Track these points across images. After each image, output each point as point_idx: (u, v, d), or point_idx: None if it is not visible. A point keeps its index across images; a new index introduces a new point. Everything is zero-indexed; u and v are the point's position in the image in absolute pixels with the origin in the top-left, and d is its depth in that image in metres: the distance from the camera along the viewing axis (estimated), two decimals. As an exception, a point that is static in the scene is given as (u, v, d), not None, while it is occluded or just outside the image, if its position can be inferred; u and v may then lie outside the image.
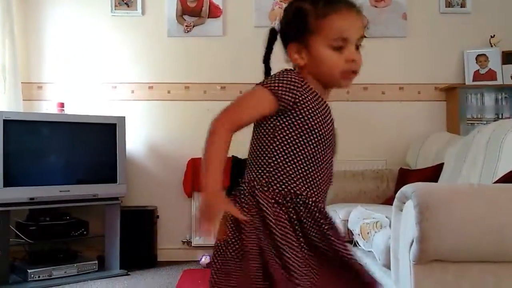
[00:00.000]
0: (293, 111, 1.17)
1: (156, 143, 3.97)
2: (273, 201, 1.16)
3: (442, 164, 3.13)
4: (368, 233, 2.38)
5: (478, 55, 3.96)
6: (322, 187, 1.20)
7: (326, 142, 1.20)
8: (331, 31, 1.17)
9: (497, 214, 1.77)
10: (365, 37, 1.23)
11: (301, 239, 1.14)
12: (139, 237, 3.67)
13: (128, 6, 3.98)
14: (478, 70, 3.95)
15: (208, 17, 4.01)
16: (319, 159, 1.19)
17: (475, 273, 1.79)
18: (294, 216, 1.16)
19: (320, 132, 1.18)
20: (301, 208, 1.16)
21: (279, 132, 1.18)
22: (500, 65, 3.92)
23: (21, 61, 3.82)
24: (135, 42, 3.98)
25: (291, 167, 1.17)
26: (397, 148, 3.95)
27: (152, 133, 3.97)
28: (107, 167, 3.48)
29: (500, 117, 3.80)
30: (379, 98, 4.04)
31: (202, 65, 3.99)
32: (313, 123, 1.17)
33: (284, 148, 1.17)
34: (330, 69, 1.19)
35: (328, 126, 1.21)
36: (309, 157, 1.17)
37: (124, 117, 3.58)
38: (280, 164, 1.18)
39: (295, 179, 1.18)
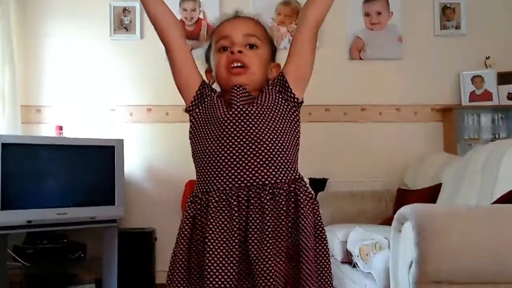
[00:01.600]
0: (192, 113, 1.27)
1: (154, 164, 3.96)
2: (188, 200, 1.25)
3: (440, 184, 3.13)
4: (367, 254, 2.37)
5: (474, 76, 3.99)
6: (226, 183, 1.16)
7: (221, 140, 1.18)
8: (215, 38, 1.28)
9: (496, 235, 1.76)
10: (253, 36, 1.27)
11: (198, 236, 1.16)
12: (137, 259, 3.64)
13: (127, 30, 4.02)
14: (474, 91, 3.97)
15: (205, 40, 4.03)
16: (215, 157, 1.19)
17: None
18: (197, 213, 1.19)
19: (213, 133, 1.20)
20: (200, 205, 1.19)
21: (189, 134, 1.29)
22: (496, 85, 3.95)
23: (20, 85, 3.84)
24: (134, 66, 4.00)
25: (197, 166, 1.27)
26: (395, 168, 3.95)
27: (150, 155, 3.97)
28: (105, 190, 3.46)
29: (497, 137, 3.81)
30: (376, 119, 4.05)
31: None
32: (203, 125, 1.24)
33: (191, 147, 1.30)
34: (218, 69, 1.26)
35: (224, 127, 1.19)
36: (203, 156, 1.23)
37: (123, 139, 3.58)
38: (195, 164, 1.28)
39: (199, 177, 1.25)
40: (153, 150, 3.97)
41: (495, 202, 2.18)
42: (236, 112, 1.18)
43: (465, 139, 3.82)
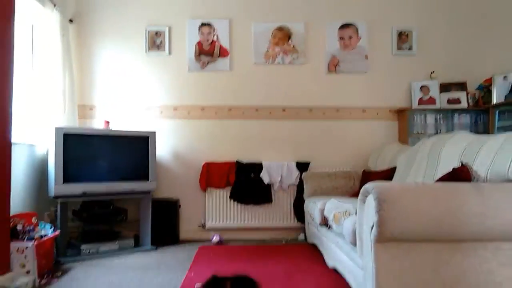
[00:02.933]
0: None
1: (179, 150, 3.97)
2: None
3: (395, 167, 3.14)
4: (339, 219, 2.38)
5: (422, 86, 3.99)
6: None
7: None
8: None
9: (437, 205, 1.77)
10: None
11: None
12: (165, 221, 3.67)
13: (158, 48, 4.00)
14: (422, 97, 3.97)
15: (218, 57, 4.03)
16: None
17: (421, 249, 1.79)
18: None
19: None
20: None
21: None
22: (439, 93, 3.95)
23: (77, 88, 3.84)
24: (163, 75, 3.99)
25: None
26: (361, 155, 3.97)
27: (176, 144, 3.97)
28: (141, 169, 3.48)
29: (439, 132, 3.82)
30: (348, 117, 4.05)
31: (214, 93, 4.00)
32: None
33: None
34: None
35: None
36: None
37: (155, 131, 3.59)
38: None
39: None
40: (178, 139, 3.98)
41: (437, 181, 2.19)
42: None
43: (414, 134, 3.83)
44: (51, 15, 3.46)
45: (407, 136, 3.82)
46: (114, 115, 3.90)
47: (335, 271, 2.56)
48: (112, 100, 3.95)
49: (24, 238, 2.51)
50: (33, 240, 2.48)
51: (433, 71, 4.02)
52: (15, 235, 2.49)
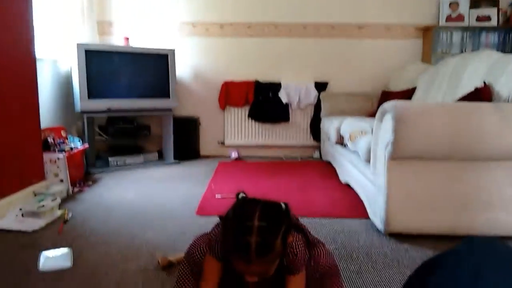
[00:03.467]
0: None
1: (198, 69, 3.93)
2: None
3: (415, 88, 3.06)
4: (355, 137, 2.40)
5: (451, 2, 3.72)
6: None
7: None
8: (232, 259, 0.97)
9: (454, 124, 1.76)
10: (266, 275, 0.97)
11: None
12: (187, 137, 3.77)
13: (175, -41, 3.78)
14: (450, 14, 3.72)
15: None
16: None
17: (434, 167, 1.81)
18: None
19: None
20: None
21: None
22: (468, 9, 3.69)
23: (96, 4, 3.72)
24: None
25: None
26: (382, 76, 3.86)
27: (195, 62, 3.92)
28: (162, 86, 3.49)
29: (464, 51, 3.63)
30: (371, 36, 3.86)
31: (233, 9, 3.81)
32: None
33: None
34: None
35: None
36: None
37: (174, 49, 3.53)
38: None
39: None
40: (197, 58, 3.91)
41: (458, 101, 2.15)
42: None
43: (438, 53, 3.66)
44: None
45: (431, 55, 3.65)
46: (133, 31, 3.82)
47: (347, 186, 2.65)
48: (130, 16, 3.84)
49: (56, 150, 2.64)
50: (64, 152, 2.61)
51: (465, -15, 3.72)
52: (47, 147, 2.62)
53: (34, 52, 2.40)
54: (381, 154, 1.88)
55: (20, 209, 2.09)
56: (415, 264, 1.59)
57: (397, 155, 1.79)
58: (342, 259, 1.64)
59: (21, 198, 2.21)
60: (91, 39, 3.55)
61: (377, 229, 1.94)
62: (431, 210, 1.82)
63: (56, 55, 3.23)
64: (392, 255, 1.69)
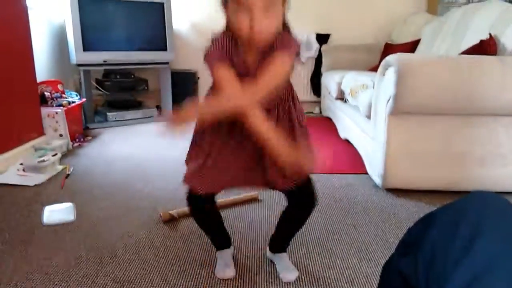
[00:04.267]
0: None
1: (195, 21, 3.81)
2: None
3: (419, 40, 2.98)
4: (356, 92, 2.37)
5: None
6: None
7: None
8: None
9: (456, 78, 1.72)
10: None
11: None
12: (184, 92, 3.71)
13: None
14: (459, -39, 3.55)
15: None
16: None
17: (433, 122, 1.81)
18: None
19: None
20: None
21: None
22: (478, -44, 3.51)
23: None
24: None
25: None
26: (386, 27, 3.74)
27: (193, 13, 3.79)
28: (159, 38, 3.39)
29: (471, 1, 3.50)
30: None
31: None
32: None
33: None
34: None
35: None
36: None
37: (170, -3, 3.40)
38: None
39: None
40: (195, 8, 3.78)
41: (461, 54, 2.10)
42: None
43: (445, 3, 3.53)
44: None
45: (436, 5, 3.52)
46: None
47: (346, 142, 2.65)
48: None
49: (53, 104, 2.61)
50: (62, 106, 2.58)
51: None
52: (44, 101, 2.59)
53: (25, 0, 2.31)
54: (382, 109, 1.86)
55: (21, 164, 2.10)
56: (411, 218, 1.63)
57: (398, 110, 1.77)
58: (340, 213, 1.67)
59: (21, 153, 2.21)
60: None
61: (375, 184, 1.97)
62: (429, 166, 1.84)
63: (49, 6, 3.11)
64: (389, 209, 1.72)
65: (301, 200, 1.14)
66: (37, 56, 2.67)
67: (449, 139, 1.82)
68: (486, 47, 1.99)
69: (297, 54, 1.00)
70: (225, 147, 1.07)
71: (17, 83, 2.24)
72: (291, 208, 1.18)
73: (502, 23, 2.02)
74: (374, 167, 1.96)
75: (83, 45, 3.02)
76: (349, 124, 2.57)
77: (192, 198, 1.14)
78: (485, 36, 2.05)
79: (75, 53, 3.01)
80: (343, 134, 2.77)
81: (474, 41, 2.10)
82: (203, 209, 1.18)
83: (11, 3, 2.21)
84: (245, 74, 1.00)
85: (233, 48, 1.01)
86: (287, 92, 1.08)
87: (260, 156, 1.06)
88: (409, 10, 3.70)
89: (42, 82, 2.71)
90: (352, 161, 2.33)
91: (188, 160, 1.18)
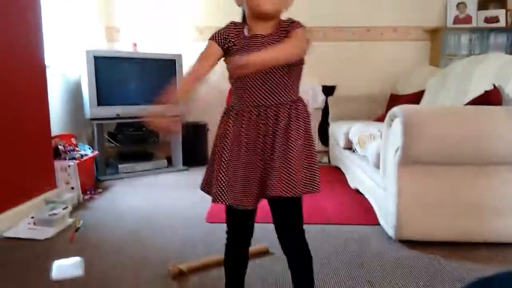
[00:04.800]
0: (227, 47, 1.12)
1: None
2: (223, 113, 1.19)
3: (424, 91, 3.04)
4: (364, 142, 2.39)
5: (459, 3, 3.70)
6: (248, 99, 1.10)
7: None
8: None
9: (464, 128, 1.74)
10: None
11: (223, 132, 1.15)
12: (195, 143, 3.77)
13: (182, -34, 3.81)
14: (458, 15, 3.70)
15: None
16: (241, 79, 1.11)
17: (443, 172, 1.80)
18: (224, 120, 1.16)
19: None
20: (232, 115, 1.14)
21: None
22: (476, 11, 3.66)
23: (104, 10, 3.76)
24: (188, -5, 3.83)
25: (232, 87, 1.17)
26: (390, 78, 3.83)
27: (202, 67, 3.93)
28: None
29: (473, 53, 3.61)
30: (378, 38, 3.86)
31: (235, 12, 3.84)
32: (235, 52, 1.11)
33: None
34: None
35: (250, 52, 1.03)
36: (235, 79, 1.14)
37: (181, 54, 3.55)
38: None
39: (233, 96, 1.18)
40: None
41: (467, 104, 2.13)
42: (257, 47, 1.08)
43: (447, 55, 3.63)
44: None
45: (439, 58, 3.63)
46: (141, 37, 3.85)
47: (357, 191, 2.63)
48: (137, 21, 3.86)
49: (66, 157, 2.66)
50: (75, 159, 2.63)
51: (473, -14, 3.70)
52: (58, 154, 2.65)
53: (44, 59, 2.43)
54: (391, 159, 1.87)
55: (32, 217, 2.11)
56: (428, 272, 1.58)
57: (406, 160, 1.78)
58: (353, 268, 1.63)
59: (33, 206, 2.23)
60: (100, 45, 3.58)
61: (388, 235, 1.93)
62: (442, 216, 1.81)
63: (66, 62, 3.26)
64: (404, 262, 1.67)
65: (290, 239, 1.14)
66: (53, 111, 2.77)
67: (461, 190, 1.80)
68: (491, 97, 2.02)
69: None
70: (235, 155, 1.11)
71: (32, 137, 2.31)
72: (291, 263, 1.17)
73: (504, 74, 2.07)
74: (386, 218, 1.93)
75: (98, 100, 3.13)
76: (359, 174, 2.56)
77: (231, 213, 1.15)
78: (488, 87, 2.09)
79: (90, 108, 3.11)
80: (353, 184, 2.76)
81: (478, 92, 2.14)
82: (238, 246, 1.20)
83: (31, 64, 2.32)
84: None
85: (238, 36, 1.13)
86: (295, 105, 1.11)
87: (265, 168, 1.07)
88: (412, 62, 3.81)
89: (56, 136, 2.78)
90: (363, 212, 2.30)
91: (207, 167, 1.21)
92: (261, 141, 1.09)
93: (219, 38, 1.13)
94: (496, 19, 3.62)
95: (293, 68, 1.11)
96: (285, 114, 1.09)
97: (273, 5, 1.09)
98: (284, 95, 1.10)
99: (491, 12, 3.63)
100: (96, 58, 3.11)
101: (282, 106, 1.09)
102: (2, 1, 2.07)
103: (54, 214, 2.10)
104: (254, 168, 1.09)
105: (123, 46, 3.85)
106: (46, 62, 2.49)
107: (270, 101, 1.09)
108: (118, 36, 3.87)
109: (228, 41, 1.12)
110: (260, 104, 1.09)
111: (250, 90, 1.10)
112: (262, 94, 1.09)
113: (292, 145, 1.06)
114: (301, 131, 1.09)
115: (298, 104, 1.12)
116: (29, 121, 2.29)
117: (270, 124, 1.08)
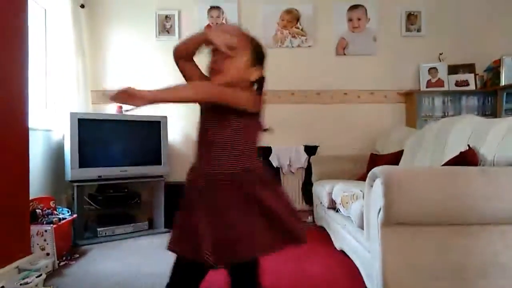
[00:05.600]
0: None
1: (190, 134, 3.99)
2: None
3: (402, 151, 3.13)
4: (347, 202, 2.40)
5: (430, 68, 3.93)
6: (198, 160, 1.33)
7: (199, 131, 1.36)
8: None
9: (443, 188, 1.77)
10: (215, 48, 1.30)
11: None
12: (177, 203, 3.70)
13: (168, 32, 3.99)
14: (430, 79, 3.92)
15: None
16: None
17: (427, 232, 1.80)
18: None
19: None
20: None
21: None
22: (447, 75, 3.89)
23: (90, 74, 3.85)
24: (172, 59, 3.94)
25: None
26: (368, 138, 3.95)
27: (187, 128, 3.99)
28: (154, 153, 3.51)
29: (446, 115, 3.78)
30: (356, 101, 4.03)
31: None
32: None
33: None
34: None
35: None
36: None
37: (166, 116, 3.60)
38: None
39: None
40: (189, 123, 3.98)
41: (444, 164, 2.19)
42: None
43: (422, 117, 3.79)
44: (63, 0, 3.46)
45: (415, 119, 3.78)
46: (126, 100, 3.91)
47: (342, 253, 2.59)
48: (124, 84, 3.93)
49: (43, 221, 2.57)
50: (52, 224, 2.55)
51: (442, 53, 3.96)
52: (35, 218, 2.56)
53: (27, 122, 2.42)
54: (374, 220, 1.86)
55: (3, 287, 1.99)
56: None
57: (389, 221, 1.78)
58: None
59: (4, 274, 2.10)
60: (85, 108, 3.62)
61: (375, 299, 1.88)
62: (430, 279, 1.78)
63: (49, 124, 3.27)
64: (392, 328, 1.61)
65: None
66: (33, 173, 2.72)
67: (446, 250, 1.79)
68: (467, 158, 2.08)
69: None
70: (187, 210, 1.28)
71: (9, 202, 2.24)
72: None
73: (478, 135, 2.15)
74: (373, 281, 1.89)
75: (79, 161, 3.10)
76: (343, 234, 2.54)
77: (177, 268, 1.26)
78: (464, 148, 2.17)
79: (71, 170, 3.07)
80: (338, 245, 2.72)
81: (455, 152, 2.21)
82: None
83: (14, 127, 2.31)
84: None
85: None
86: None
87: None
88: (390, 123, 3.96)
89: (35, 199, 2.71)
90: (350, 274, 2.25)
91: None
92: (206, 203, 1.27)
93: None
94: (466, 83, 3.84)
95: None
96: (226, 183, 1.26)
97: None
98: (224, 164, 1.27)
99: (461, 76, 3.86)
100: (80, 121, 3.13)
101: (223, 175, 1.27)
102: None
103: (26, 283, 1.98)
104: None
105: (109, 109, 3.90)
106: (31, 125, 2.48)
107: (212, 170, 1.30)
108: (104, 98, 3.93)
109: None
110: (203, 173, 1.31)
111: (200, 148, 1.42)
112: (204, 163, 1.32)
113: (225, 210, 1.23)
114: (232, 198, 1.24)
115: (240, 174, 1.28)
116: (8, 185, 2.23)
117: (212, 192, 1.27)
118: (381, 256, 1.79)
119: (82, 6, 3.81)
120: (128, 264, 2.53)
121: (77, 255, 2.72)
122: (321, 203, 3.21)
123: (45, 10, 3.41)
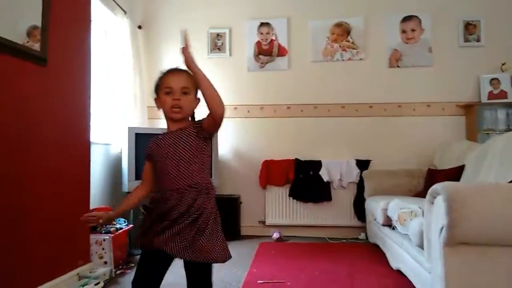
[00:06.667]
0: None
1: (240, 149, 4.03)
2: None
3: (463, 166, 2.95)
4: (404, 220, 2.29)
5: (492, 79, 3.71)
6: (162, 193, 1.46)
7: (159, 162, 1.48)
8: (163, 83, 1.48)
9: (510, 207, 1.65)
10: (186, 88, 1.49)
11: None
12: (227, 217, 3.71)
13: (219, 50, 4.09)
14: (492, 90, 3.69)
15: (277, 56, 4.03)
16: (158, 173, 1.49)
17: (494, 253, 1.68)
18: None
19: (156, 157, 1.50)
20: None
21: None
22: (510, 86, 3.65)
23: (146, 90, 4.01)
24: (224, 76, 4.03)
25: None
26: (426, 153, 3.76)
27: (236, 142, 4.03)
28: (205, 166, 3.55)
29: (511, 128, 3.53)
30: (411, 113, 3.87)
31: (272, 91, 4.01)
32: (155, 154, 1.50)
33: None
34: (165, 105, 1.46)
35: (161, 151, 1.47)
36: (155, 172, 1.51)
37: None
38: None
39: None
40: (238, 138, 4.03)
41: (511, 182, 2.03)
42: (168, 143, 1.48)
43: (484, 130, 3.57)
44: (122, 22, 3.66)
45: (476, 132, 3.57)
46: (179, 115, 4.03)
47: (399, 272, 2.46)
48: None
49: (102, 231, 2.68)
50: (110, 233, 2.65)
51: (504, 63, 3.72)
52: (94, 228, 2.67)
53: (89, 137, 2.56)
54: (436, 239, 1.76)
55: (65, 293, 2.08)
56: None
57: (453, 241, 1.67)
58: None
59: (66, 281, 2.21)
60: (141, 123, 3.77)
61: (438, 324, 1.76)
62: (498, 304, 1.64)
63: (109, 139, 3.43)
64: None
65: None
66: (93, 185, 2.86)
67: (516, 273, 1.65)
68: (539, 174, 1.92)
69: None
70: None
71: (72, 211, 2.35)
72: None
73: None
74: (435, 305, 1.78)
75: (136, 174, 3.22)
76: (401, 253, 2.42)
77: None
78: (535, 163, 2.00)
79: (128, 182, 3.19)
80: (394, 264, 2.59)
81: (524, 168, 2.05)
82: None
83: (77, 141, 2.45)
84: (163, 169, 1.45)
85: (156, 141, 1.52)
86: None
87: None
88: (448, 136, 3.75)
89: (95, 209, 2.83)
90: (407, 296, 2.13)
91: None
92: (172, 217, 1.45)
93: (147, 155, 1.55)
94: (532, 94, 3.58)
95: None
96: (190, 195, 1.46)
97: (182, 114, 1.46)
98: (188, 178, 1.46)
99: (526, 87, 3.61)
100: (137, 135, 3.26)
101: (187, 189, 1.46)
102: (59, 87, 2.26)
103: (86, 290, 2.07)
104: None
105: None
106: (91, 138, 2.63)
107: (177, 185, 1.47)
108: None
109: (151, 152, 1.50)
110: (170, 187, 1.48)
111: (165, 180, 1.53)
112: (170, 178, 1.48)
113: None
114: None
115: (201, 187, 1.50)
116: (71, 195, 2.35)
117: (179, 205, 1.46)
118: (443, 277, 1.69)
119: (140, 27, 4.01)
120: (181, 273, 2.55)
121: (132, 264, 2.80)
122: (375, 219, 3.09)
123: (105, 32, 3.63)
